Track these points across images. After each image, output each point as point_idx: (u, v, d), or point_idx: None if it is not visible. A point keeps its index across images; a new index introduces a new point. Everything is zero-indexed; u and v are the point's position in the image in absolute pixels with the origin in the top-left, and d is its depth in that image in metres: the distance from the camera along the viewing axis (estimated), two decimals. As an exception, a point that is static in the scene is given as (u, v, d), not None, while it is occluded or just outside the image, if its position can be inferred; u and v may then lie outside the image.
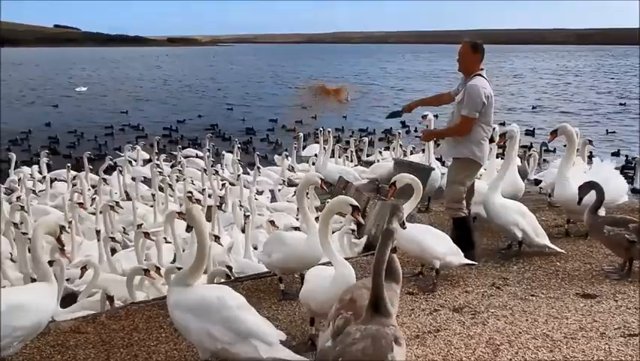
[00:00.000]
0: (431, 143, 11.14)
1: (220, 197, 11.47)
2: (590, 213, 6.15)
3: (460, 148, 6.51)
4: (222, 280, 6.07)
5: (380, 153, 16.36)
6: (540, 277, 6.05)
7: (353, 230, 8.61)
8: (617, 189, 7.56)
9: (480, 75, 6.38)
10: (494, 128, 7.51)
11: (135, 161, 16.36)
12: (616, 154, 19.78)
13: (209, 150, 16.71)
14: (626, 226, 5.88)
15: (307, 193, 9.27)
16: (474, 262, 6.07)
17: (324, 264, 5.26)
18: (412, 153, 15.03)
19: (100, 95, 48.32)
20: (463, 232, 6.50)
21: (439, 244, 5.86)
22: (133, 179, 13.39)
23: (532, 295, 5.54)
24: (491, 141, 7.02)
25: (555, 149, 18.15)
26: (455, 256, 5.90)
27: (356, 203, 4.64)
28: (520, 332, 4.72)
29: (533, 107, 38.59)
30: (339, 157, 15.72)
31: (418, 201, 5.82)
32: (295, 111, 27.64)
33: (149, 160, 16.20)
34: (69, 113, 36.35)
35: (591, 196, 6.21)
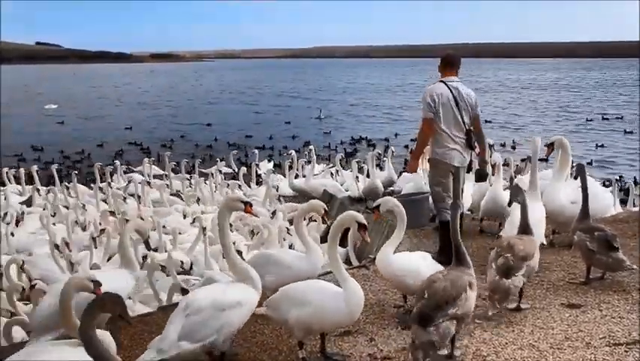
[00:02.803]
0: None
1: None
2: (577, 219, 6.27)
3: (429, 150, 7.22)
4: None
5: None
6: (525, 287, 6.04)
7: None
8: (605, 203, 7.72)
9: (441, 81, 7.14)
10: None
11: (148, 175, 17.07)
12: (589, 163, 20.47)
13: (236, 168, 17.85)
14: (592, 234, 5.96)
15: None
16: None
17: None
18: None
19: (71, 113, 48.62)
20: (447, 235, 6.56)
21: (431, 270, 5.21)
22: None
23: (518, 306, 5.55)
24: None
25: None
26: None
27: (364, 221, 4.63)
28: (506, 343, 4.72)
29: (486, 121, 39.47)
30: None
31: (404, 229, 5.53)
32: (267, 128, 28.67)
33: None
34: (44, 132, 36.62)
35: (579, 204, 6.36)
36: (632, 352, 4.47)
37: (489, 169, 9.81)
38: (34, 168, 16.73)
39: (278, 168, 19.06)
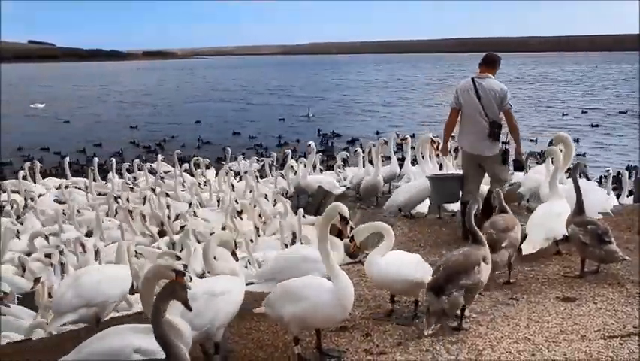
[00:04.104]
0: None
1: None
2: (571, 213, 6.33)
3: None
4: None
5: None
6: (520, 281, 6.09)
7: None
8: (599, 200, 7.75)
9: (472, 78, 7.78)
10: None
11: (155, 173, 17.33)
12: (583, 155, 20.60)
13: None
14: (585, 227, 6.02)
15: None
16: None
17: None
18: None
19: (58, 112, 48.75)
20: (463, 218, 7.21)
21: (421, 271, 5.20)
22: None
23: (513, 299, 5.57)
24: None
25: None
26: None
27: (347, 214, 4.55)
28: (502, 337, 4.74)
29: None
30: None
31: (392, 242, 5.32)
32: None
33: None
34: (31, 131, 36.75)
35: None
36: (626, 344, 4.50)
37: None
38: (67, 160, 17.57)
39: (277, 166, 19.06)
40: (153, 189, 13.54)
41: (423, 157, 10.47)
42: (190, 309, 3.59)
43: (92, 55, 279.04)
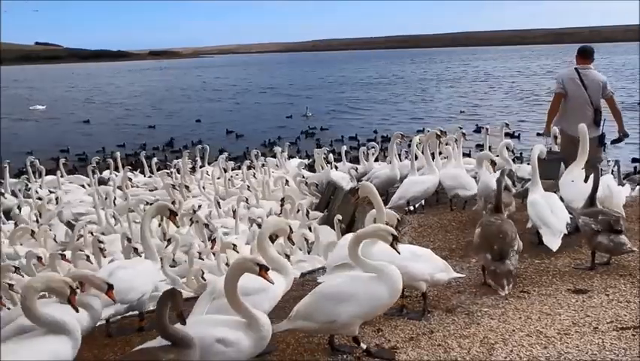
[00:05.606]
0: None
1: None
2: (582, 206, 6.35)
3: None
4: None
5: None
6: (531, 274, 6.07)
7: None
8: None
9: (575, 68, 8.40)
10: None
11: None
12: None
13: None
14: (596, 217, 6.03)
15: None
16: (462, 275, 5.83)
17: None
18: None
19: (58, 114, 49.28)
20: None
21: (424, 264, 5.17)
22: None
23: (524, 292, 5.56)
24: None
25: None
26: (443, 272, 5.28)
27: (396, 233, 4.54)
28: (513, 330, 4.73)
29: (461, 111, 40.80)
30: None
31: (383, 220, 5.32)
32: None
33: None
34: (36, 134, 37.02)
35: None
36: (639, 335, 4.47)
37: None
38: (117, 154, 18.69)
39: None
40: (173, 185, 13.77)
41: (433, 155, 10.45)
42: (184, 323, 3.65)
43: (98, 55, 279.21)
